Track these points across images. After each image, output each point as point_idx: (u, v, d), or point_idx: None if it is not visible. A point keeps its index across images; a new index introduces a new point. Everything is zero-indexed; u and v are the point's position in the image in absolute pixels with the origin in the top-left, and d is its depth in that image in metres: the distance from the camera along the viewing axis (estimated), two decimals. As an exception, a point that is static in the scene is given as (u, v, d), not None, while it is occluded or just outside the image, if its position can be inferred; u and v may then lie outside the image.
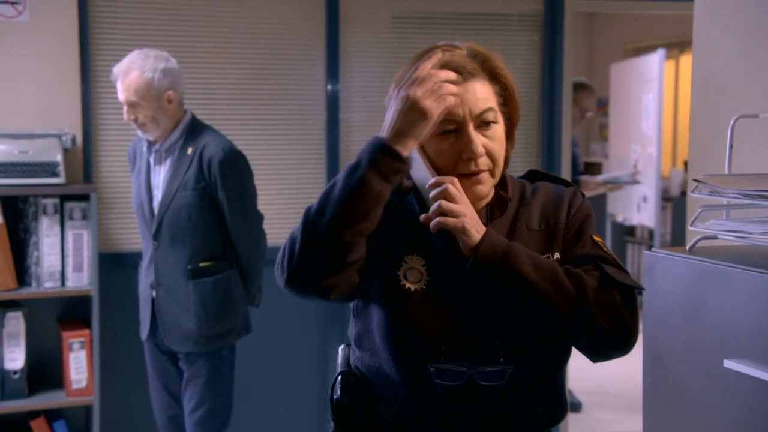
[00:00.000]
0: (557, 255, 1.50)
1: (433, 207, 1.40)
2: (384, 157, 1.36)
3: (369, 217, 1.37)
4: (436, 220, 1.39)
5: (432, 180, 1.43)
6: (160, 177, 3.00)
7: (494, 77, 1.48)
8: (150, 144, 3.03)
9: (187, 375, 3.08)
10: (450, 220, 1.39)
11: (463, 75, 1.44)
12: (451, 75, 1.41)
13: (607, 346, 1.44)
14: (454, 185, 1.41)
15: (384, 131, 1.39)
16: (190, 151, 2.95)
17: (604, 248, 1.51)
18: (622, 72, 7.04)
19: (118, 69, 2.97)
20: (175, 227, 2.96)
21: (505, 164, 1.53)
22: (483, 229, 1.42)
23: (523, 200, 1.55)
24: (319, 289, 1.40)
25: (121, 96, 2.95)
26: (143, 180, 3.03)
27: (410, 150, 1.39)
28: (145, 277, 3.07)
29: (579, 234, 1.52)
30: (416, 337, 1.45)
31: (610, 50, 8.12)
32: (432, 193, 1.41)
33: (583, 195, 1.58)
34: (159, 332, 3.03)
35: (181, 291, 2.97)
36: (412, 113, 1.37)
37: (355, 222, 1.35)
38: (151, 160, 3.02)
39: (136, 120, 2.96)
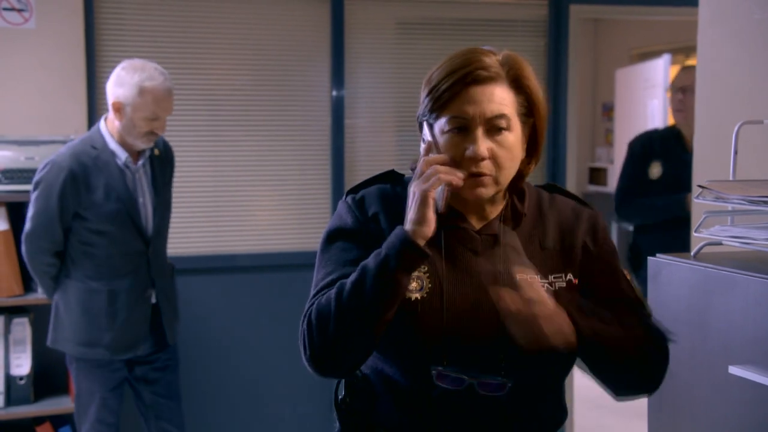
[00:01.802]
0: (571, 277, 1.50)
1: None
2: (408, 251, 1.38)
3: (396, 304, 1.41)
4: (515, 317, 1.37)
5: (444, 158, 1.41)
6: (142, 181, 2.98)
7: (519, 87, 1.46)
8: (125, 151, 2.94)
9: (169, 368, 3.14)
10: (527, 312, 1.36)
11: (483, 76, 1.42)
12: (444, 158, 1.42)
13: (640, 390, 1.54)
14: (460, 179, 1.40)
15: (405, 223, 1.41)
16: (157, 152, 3.05)
17: (633, 285, 1.57)
18: (628, 77, 7.04)
19: (164, 87, 2.88)
20: (165, 225, 3.11)
21: (523, 177, 1.52)
22: (565, 318, 1.39)
23: (540, 213, 1.54)
24: (348, 372, 1.50)
25: (167, 112, 2.93)
26: (120, 188, 2.91)
27: (427, 236, 1.39)
28: (134, 293, 2.96)
29: (612, 270, 1.55)
30: (416, 343, 1.45)
31: (615, 56, 8.11)
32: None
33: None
34: (146, 343, 3.03)
35: (170, 285, 3.13)
36: (415, 201, 1.40)
37: (388, 312, 1.40)
38: (126, 168, 2.93)
39: (154, 133, 2.93)
